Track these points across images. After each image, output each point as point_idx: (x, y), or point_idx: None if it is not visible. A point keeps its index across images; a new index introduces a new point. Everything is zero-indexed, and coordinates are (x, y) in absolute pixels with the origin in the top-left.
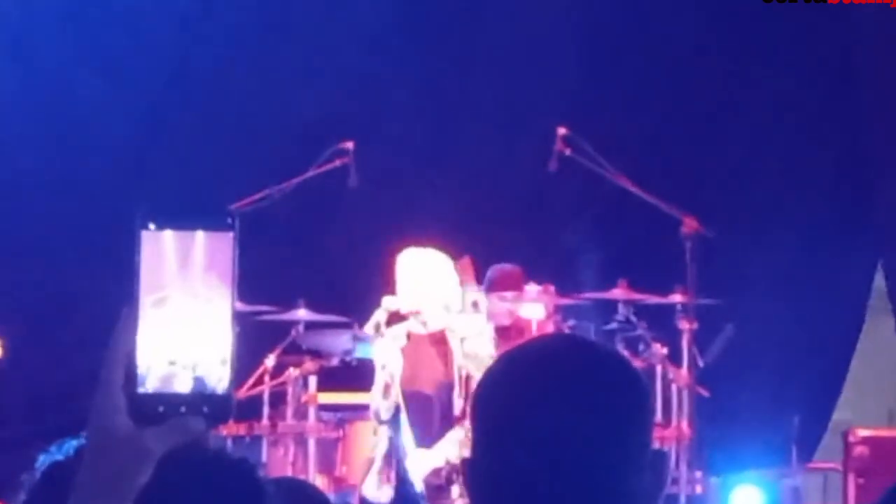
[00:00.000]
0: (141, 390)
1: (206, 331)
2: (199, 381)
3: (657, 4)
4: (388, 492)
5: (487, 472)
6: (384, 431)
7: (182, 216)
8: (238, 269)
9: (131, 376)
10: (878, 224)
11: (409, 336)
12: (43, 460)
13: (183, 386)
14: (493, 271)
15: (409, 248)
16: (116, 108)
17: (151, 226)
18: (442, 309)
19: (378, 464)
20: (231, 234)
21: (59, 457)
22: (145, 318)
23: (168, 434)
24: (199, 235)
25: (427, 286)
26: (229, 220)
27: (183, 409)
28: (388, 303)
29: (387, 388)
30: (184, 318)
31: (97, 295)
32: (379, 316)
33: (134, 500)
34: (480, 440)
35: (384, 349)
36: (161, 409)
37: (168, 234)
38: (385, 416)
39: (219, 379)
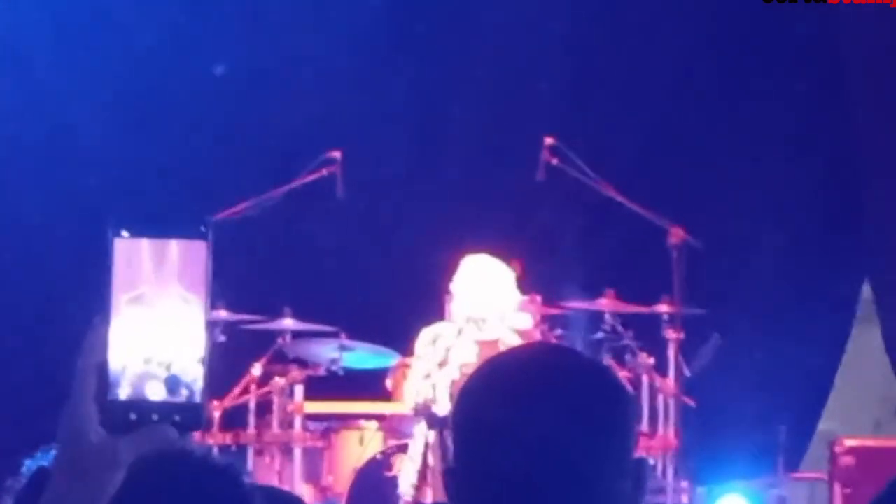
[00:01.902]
0: (113, 398)
1: (180, 331)
2: (173, 379)
3: (644, 15)
4: (429, 492)
5: (469, 480)
6: (422, 430)
7: (156, 224)
8: (211, 278)
9: (103, 385)
10: (865, 238)
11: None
12: (29, 466)
13: (155, 394)
14: None
15: (471, 255)
16: (103, 117)
17: (125, 233)
18: (498, 319)
19: (418, 464)
20: (204, 243)
21: (45, 462)
22: (119, 316)
23: (140, 442)
24: (173, 244)
25: (489, 294)
26: (203, 229)
27: (155, 417)
28: (474, 309)
29: (455, 385)
30: (158, 318)
31: (84, 301)
32: (471, 314)
33: None
34: (462, 449)
35: (468, 349)
36: (133, 416)
37: (141, 242)
38: (443, 413)
39: (193, 378)
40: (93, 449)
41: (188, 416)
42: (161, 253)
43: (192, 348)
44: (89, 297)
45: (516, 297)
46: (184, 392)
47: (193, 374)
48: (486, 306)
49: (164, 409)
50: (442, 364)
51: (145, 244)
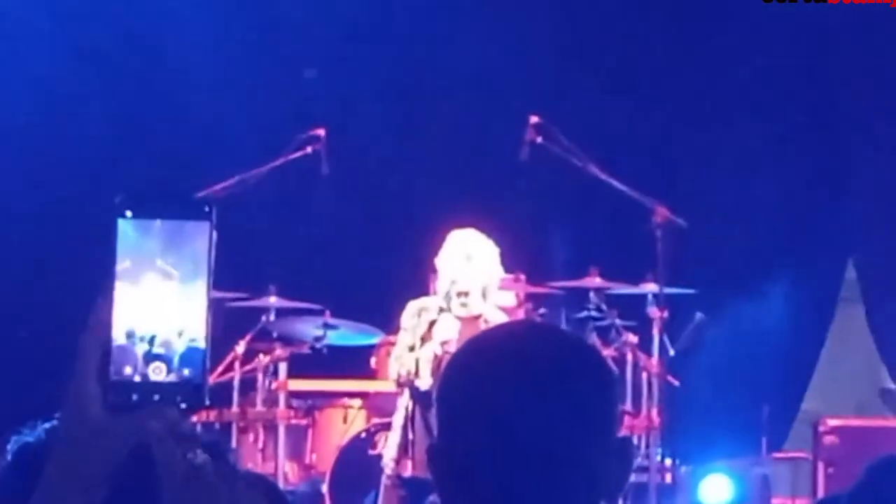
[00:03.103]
0: (115, 378)
1: (179, 310)
2: (167, 358)
3: None
4: (409, 464)
5: (452, 457)
6: (405, 402)
7: (159, 205)
8: (214, 259)
9: (106, 364)
10: (850, 219)
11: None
12: (14, 442)
13: (157, 374)
14: None
15: (457, 230)
16: (90, 95)
17: (128, 213)
18: (480, 294)
19: (398, 436)
20: (207, 224)
21: (30, 439)
22: (118, 293)
23: (141, 422)
24: (176, 224)
25: (473, 269)
26: (206, 209)
27: (156, 397)
28: (457, 283)
29: (437, 360)
30: (156, 296)
31: (78, 279)
32: (452, 289)
33: (111, 484)
34: (446, 426)
35: (449, 325)
36: (135, 397)
37: (144, 223)
38: (425, 387)
39: (175, 351)
40: (94, 428)
41: (190, 396)
42: (163, 233)
43: (188, 328)
44: (85, 277)
45: (500, 273)
46: (178, 369)
47: (176, 347)
48: (470, 280)
49: (165, 389)
50: (425, 339)
51: (148, 225)
